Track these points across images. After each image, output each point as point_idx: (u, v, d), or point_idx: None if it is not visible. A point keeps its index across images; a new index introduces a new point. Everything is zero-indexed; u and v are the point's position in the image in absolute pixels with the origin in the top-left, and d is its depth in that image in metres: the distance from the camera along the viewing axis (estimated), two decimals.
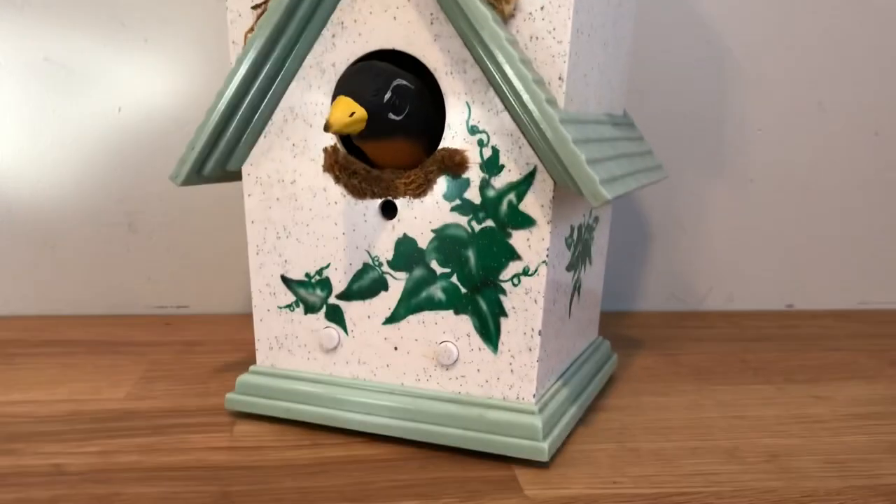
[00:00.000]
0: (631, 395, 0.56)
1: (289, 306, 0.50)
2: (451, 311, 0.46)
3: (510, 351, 0.45)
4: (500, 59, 0.40)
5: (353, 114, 0.41)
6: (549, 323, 0.46)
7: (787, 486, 0.43)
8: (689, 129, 0.78)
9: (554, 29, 0.41)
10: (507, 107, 0.43)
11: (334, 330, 0.49)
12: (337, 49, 0.46)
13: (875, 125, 0.80)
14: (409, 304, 0.47)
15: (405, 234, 0.46)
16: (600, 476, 0.44)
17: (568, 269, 0.48)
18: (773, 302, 0.83)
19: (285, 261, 0.49)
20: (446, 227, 0.45)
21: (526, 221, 0.44)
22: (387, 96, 0.42)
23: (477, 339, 0.46)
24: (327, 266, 0.48)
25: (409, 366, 0.48)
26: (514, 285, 0.44)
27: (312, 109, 0.47)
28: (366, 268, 0.48)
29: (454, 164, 0.44)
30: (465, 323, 0.46)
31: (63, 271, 0.74)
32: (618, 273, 0.79)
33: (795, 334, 0.74)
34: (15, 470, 0.43)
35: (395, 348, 0.48)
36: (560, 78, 0.42)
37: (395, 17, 0.44)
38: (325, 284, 0.49)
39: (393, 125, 0.43)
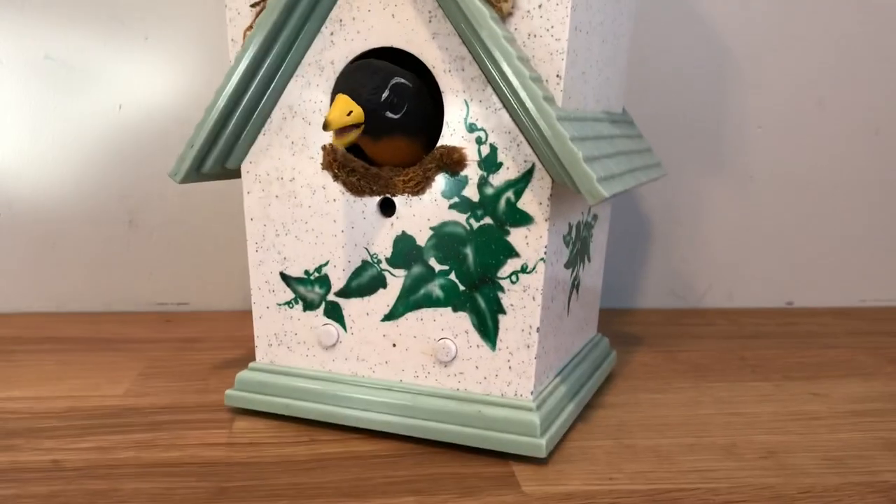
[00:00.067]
0: (629, 392, 0.56)
1: (288, 303, 0.50)
2: (449, 309, 0.46)
3: (508, 348, 0.45)
4: (498, 56, 0.40)
5: (350, 112, 0.41)
6: (547, 320, 0.46)
7: (784, 482, 0.43)
8: (688, 126, 0.78)
9: (552, 27, 0.41)
10: (506, 104, 0.43)
11: (333, 327, 0.49)
12: (335, 47, 0.46)
13: (875, 123, 0.80)
14: (408, 302, 0.47)
15: (404, 232, 0.46)
16: (597, 472, 0.44)
17: (566, 266, 0.48)
18: (773, 299, 0.83)
19: (284, 258, 0.49)
20: (444, 224, 0.45)
21: (524, 219, 0.44)
22: (385, 94, 0.42)
23: (475, 336, 0.46)
24: (326, 263, 0.49)
25: (407, 362, 0.48)
26: (513, 283, 0.45)
27: (311, 107, 0.47)
28: (364, 265, 0.48)
29: (452, 162, 0.44)
30: (463, 320, 0.46)
31: (63, 268, 0.75)
32: (618, 270, 0.80)
33: (794, 331, 0.74)
34: (13, 466, 0.43)
35: (394, 345, 0.48)
36: (558, 75, 0.42)
37: (393, 15, 0.44)
38: (324, 282, 0.49)
39: (391, 123, 0.43)
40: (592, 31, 0.46)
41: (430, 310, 0.47)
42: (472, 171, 0.44)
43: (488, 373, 0.46)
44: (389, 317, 0.48)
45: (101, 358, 0.62)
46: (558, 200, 0.44)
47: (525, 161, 0.43)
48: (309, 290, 0.49)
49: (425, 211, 0.46)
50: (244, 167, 0.49)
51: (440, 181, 0.45)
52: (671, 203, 0.80)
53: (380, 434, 0.48)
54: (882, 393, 0.58)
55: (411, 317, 0.47)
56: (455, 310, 0.46)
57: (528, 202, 0.43)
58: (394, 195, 0.46)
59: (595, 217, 0.54)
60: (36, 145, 0.73)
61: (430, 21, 0.44)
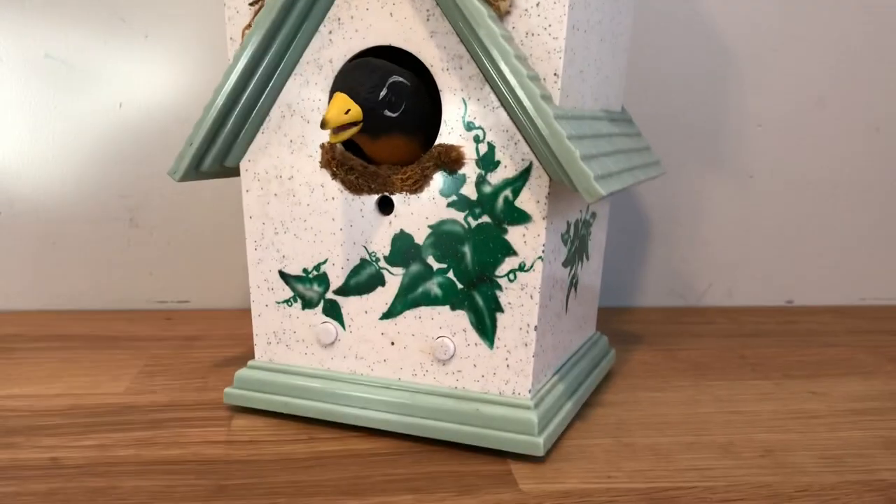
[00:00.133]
0: (628, 391, 0.56)
1: (287, 301, 0.50)
2: (447, 307, 0.46)
3: (506, 346, 0.45)
4: (496, 55, 0.40)
5: (348, 111, 0.41)
6: (544, 318, 0.46)
7: (782, 480, 0.43)
8: (688, 124, 0.78)
9: (550, 25, 0.41)
10: (503, 103, 0.43)
11: (332, 325, 0.49)
12: (334, 45, 0.46)
13: (876, 121, 0.80)
14: (406, 300, 0.47)
15: (402, 230, 0.46)
16: (595, 470, 0.44)
17: (564, 264, 0.49)
18: (773, 298, 0.83)
19: (283, 256, 0.50)
20: (442, 222, 0.45)
21: (522, 217, 0.44)
22: (383, 93, 0.42)
23: (473, 335, 0.46)
24: (325, 261, 0.49)
25: (405, 361, 0.48)
26: (510, 281, 0.45)
27: (309, 105, 0.47)
28: (363, 263, 0.48)
29: (450, 160, 0.44)
30: (461, 318, 0.46)
31: (64, 267, 0.75)
32: (617, 269, 0.80)
33: (794, 330, 0.74)
34: (13, 463, 0.44)
35: (392, 343, 0.48)
36: (556, 74, 0.42)
37: (391, 14, 0.44)
38: (323, 280, 0.49)
39: (389, 122, 0.43)
40: (590, 30, 0.46)
41: (429, 308, 0.47)
42: (469, 170, 0.44)
43: (486, 371, 0.46)
44: (388, 315, 0.48)
45: (101, 356, 0.62)
46: (556, 199, 0.44)
47: (523, 159, 0.43)
48: (307, 288, 0.49)
49: (423, 209, 0.46)
50: (243, 165, 0.50)
51: (438, 179, 0.45)
52: (671, 201, 0.80)
53: (378, 432, 0.48)
54: (882, 391, 0.58)
55: (409, 315, 0.47)
56: (453, 308, 0.46)
57: (525, 200, 0.44)
58: (392, 193, 0.46)
59: (594, 215, 0.54)
60: (36, 144, 0.73)
61: (427, 20, 0.44)
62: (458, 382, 0.47)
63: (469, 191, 0.45)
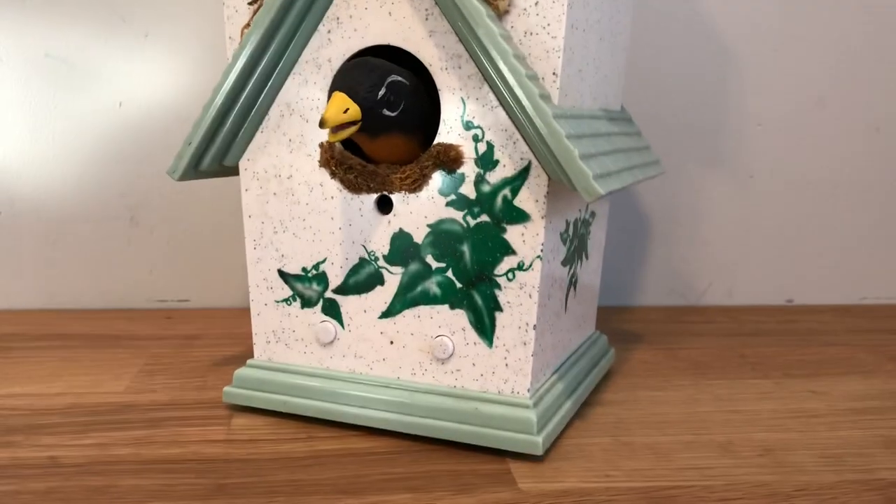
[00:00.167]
0: (628, 390, 0.56)
1: (286, 300, 0.50)
2: (446, 306, 0.46)
3: (505, 345, 0.45)
4: (495, 54, 0.40)
5: (347, 110, 0.41)
6: (543, 317, 0.46)
7: (780, 479, 0.43)
8: (688, 124, 0.78)
9: (548, 24, 0.41)
10: (502, 102, 0.43)
11: (331, 324, 0.49)
12: (333, 44, 0.46)
13: (876, 121, 0.80)
14: (405, 299, 0.47)
15: (401, 229, 0.46)
16: (594, 469, 0.44)
17: (563, 263, 0.49)
18: (773, 297, 0.83)
19: (282, 255, 0.50)
20: (441, 221, 0.45)
21: (520, 216, 0.44)
22: (381, 92, 0.42)
23: (472, 334, 0.46)
24: (324, 261, 0.49)
25: (404, 360, 0.48)
26: (509, 280, 0.45)
27: (308, 105, 0.47)
28: (362, 262, 0.48)
29: (449, 160, 0.44)
30: (460, 317, 0.46)
31: (64, 266, 0.75)
32: (618, 268, 0.80)
33: (794, 329, 0.74)
34: (12, 462, 0.44)
35: (391, 342, 0.48)
36: (554, 73, 0.42)
37: (390, 13, 0.44)
38: (322, 279, 0.49)
39: (388, 121, 0.43)
40: (589, 29, 0.46)
41: (428, 307, 0.47)
42: (468, 169, 0.44)
43: (485, 370, 0.46)
44: (387, 314, 0.48)
45: (101, 355, 0.62)
46: (555, 198, 0.44)
47: (521, 158, 0.43)
48: (307, 287, 0.49)
49: (422, 208, 0.46)
50: (242, 164, 0.50)
51: (437, 179, 0.45)
52: (671, 201, 0.80)
53: (377, 431, 0.48)
54: (882, 391, 0.57)
55: (409, 314, 0.47)
56: (452, 307, 0.46)
57: (524, 200, 0.44)
58: (391, 192, 0.46)
59: (593, 214, 0.54)
60: (36, 143, 0.73)
61: (426, 19, 0.44)
62: (457, 381, 0.47)
63: (468, 190, 0.45)
